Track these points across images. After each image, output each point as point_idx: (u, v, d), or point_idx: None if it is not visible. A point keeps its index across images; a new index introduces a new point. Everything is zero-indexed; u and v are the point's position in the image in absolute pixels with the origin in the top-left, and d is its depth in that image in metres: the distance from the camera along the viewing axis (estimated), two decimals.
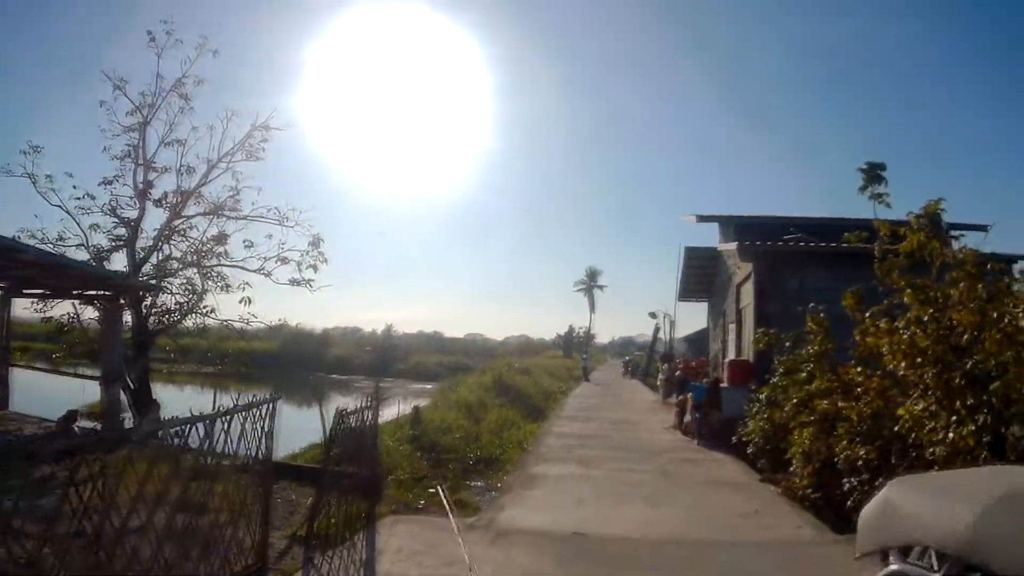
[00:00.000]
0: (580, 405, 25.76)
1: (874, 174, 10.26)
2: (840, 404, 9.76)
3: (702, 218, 22.36)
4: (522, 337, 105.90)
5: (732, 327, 21.31)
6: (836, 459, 9.45)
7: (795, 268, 16.87)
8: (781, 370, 12.90)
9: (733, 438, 13.55)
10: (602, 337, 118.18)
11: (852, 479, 8.89)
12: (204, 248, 16.54)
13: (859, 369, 9.73)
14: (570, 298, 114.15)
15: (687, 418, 16.09)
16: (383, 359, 60.08)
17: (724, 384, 16.45)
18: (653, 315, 35.45)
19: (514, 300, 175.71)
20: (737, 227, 20.07)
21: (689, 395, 16.21)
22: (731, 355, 21.33)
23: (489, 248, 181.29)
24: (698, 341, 60.49)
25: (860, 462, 8.89)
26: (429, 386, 38.58)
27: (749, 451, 12.82)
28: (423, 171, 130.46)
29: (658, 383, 30.36)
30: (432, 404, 22.91)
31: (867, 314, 9.97)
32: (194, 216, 16.79)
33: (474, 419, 20.22)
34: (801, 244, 17.18)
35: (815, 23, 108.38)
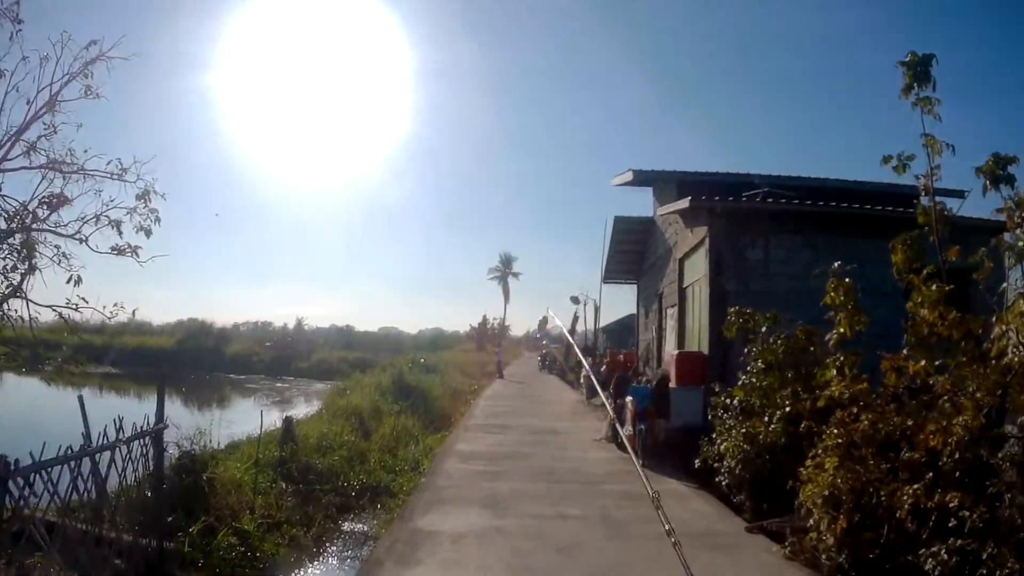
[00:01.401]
0: (493, 409, 21.82)
1: (921, 71, 6.73)
2: (899, 419, 6.15)
3: (640, 176, 18.71)
4: (436, 330, 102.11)
5: (672, 311, 17.80)
6: (893, 508, 5.85)
7: (761, 234, 13.45)
8: (760, 364, 9.38)
9: (696, 461, 9.88)
10: (517, 329, 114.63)
11: (940, 547, 5.26)
12: (24, 212, 11.71)
13: (922, 363, 6.12)
14: (486, 289, 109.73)
15: (627, 430, 12.37)
16: (283, 356, 55.51)
17: (671, 384, 12.85)
18: (576, 300, 31.79)
19: (429, 292, 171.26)
20: (683, 186, 16.51)
21: (628, 400, 12.48)
22: (671, 346, 17.81)
23: (404, 239, 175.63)
24: (617, 332, 57.33)
25: (952, 519, 5.28)
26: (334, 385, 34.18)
27: (723, 482, 9.13)
28: (335, 160, 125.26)
29: (581, 380, 26.74)
30: (316, 413, 18.66)
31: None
32: (15, 169, 11.93)
33: (364, 432, 16.22)
34: (770, 201, 13.72)
35: None
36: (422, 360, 30.38)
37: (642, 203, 21.82)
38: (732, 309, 9.85)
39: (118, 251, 11.96)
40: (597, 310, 28.69)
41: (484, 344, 74.09)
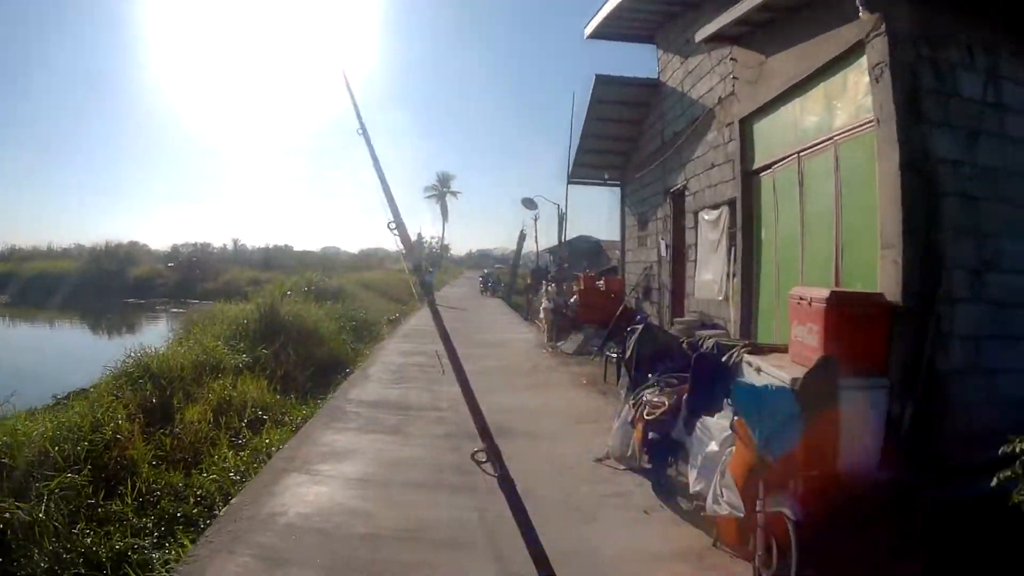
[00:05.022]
0: (405, 359, 14.15)
1: None
2: None
3: None
4: (378, 249, 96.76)
5: (713, 217, 10.36)
6: None
7: (983, 51, 5.89)
8: None
9: None
10: (457, 250, 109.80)
11: None
12: None
13: None
14: (427, 207, 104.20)
15: (723, 500, 4.68)
16: (189, 278, 48.89)
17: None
18: (531, 203, 23.77)
19: (374, 211, 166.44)
20: None
21: (728, 418, 4.87)
22: (712, 273, 10.45)
23: (350, 157, 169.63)
24: (568, 256, 50.11)
25: None
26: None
27: None
28: (275, 79, 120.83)
29: (540, 314, 19.35)
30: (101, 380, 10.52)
31: None
32: None
33: (163, 413, 8.51)
34: None
35: None
36: (319, 280, 22.46)
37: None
38: None
39: None
40: (563, 219, 20.95)
41: (420, 263, 68.00)
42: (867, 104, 6.06)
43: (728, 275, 9.60)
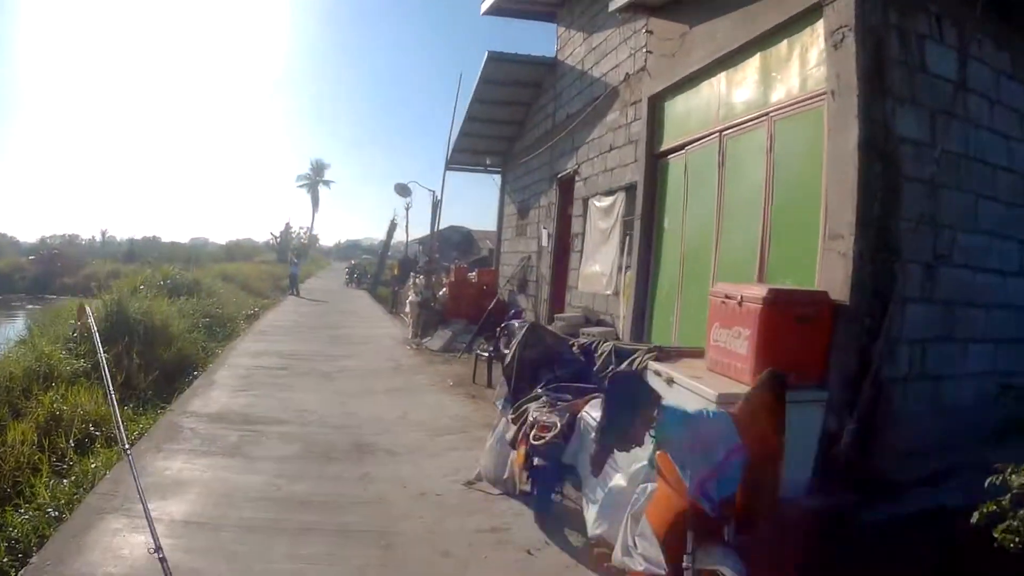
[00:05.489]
0: (260, 359, 12.34)
1: None
2: None
3: None
4: (247, 240, 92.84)
5: (606, 204, 9.32)
6: None
7: (953, 26, 5.01)
8: None
9: None
10: (327, 240, 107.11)
11: None
12: None
13: None
14: (303, 198, 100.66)
15: (641, 556, 3.49)
16: (49, 272, 45.47)
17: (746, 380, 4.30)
18: (403, 189, 21.77)
19: (243, 201, 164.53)
20: None
21: (638, 460, 3.64)
22: (602, 264, 9.45)
23: (222, 144, 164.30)
24: (436, 248, 48.58)
25: None
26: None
27: None
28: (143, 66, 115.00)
29: (406, 307, 17.89)
30: None
31: None
32: None
33: None
34: None
35: None
36: (176, 274, 20.00)
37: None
38: None
39: None
40: (438, 205, 19.41)
41: (287, 254, 65.51)
42: (818, 75, 5.08)
43: (620, 267, 8.57)
